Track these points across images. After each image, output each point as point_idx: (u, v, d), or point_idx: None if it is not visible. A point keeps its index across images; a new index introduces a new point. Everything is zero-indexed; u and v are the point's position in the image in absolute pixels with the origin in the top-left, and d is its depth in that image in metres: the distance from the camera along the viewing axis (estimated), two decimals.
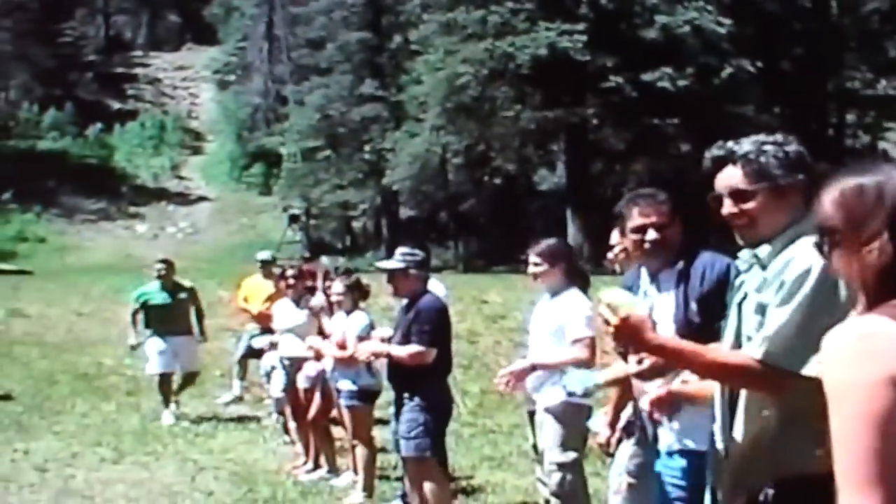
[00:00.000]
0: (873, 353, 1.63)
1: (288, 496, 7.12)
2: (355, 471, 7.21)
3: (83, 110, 43.42)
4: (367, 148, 33.26)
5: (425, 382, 5.73)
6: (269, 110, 41.92)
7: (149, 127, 44.09)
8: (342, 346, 6.77)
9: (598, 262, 31.22)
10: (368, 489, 6.85)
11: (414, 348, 5.70)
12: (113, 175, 41.04)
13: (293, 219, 35.61)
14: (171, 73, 51.05)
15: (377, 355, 6.12)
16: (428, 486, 5.79)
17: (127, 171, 41.71)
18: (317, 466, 7.80)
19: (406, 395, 5.78)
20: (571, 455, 5.04)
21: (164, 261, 10.42)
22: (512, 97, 29.10)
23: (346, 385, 6.79)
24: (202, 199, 40.38)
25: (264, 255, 11.18)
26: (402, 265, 5.84)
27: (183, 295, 10.18)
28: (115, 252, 34.65)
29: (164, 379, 9.97)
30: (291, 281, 8.01)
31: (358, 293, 6.98)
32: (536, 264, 5.20)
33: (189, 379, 10.36)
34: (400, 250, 5.99)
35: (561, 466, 5.03)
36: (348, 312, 6.88)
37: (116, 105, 47.06)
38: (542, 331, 5.24)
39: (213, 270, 27.00)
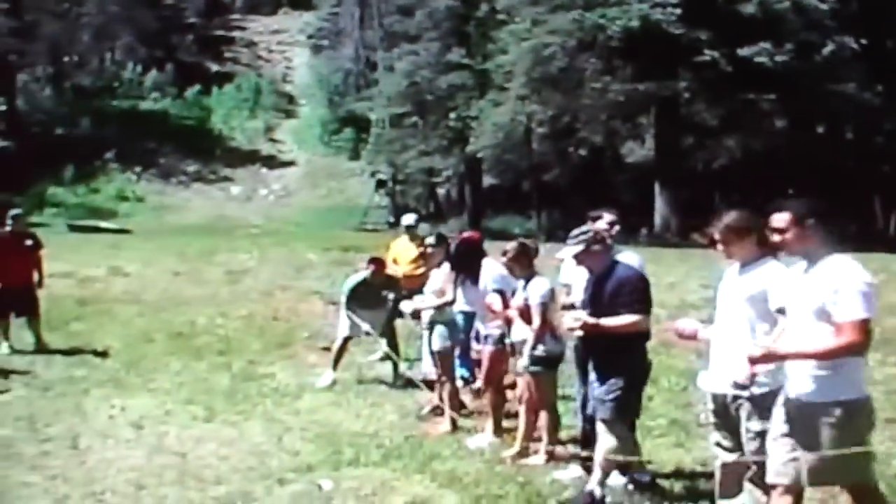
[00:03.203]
0: None
1: (371, 458, 7.29)
2: (526, 437, 7.30)
3: (183, 72, 44.46)
4: (452, 115, 33.29)
5: (629, 348, 5.97)
6: (360, 76, 42.26)
7: (244, 90, 44.88)
8: (522, 313, 6.96)
9: (685, 236, 30.78)
10: (550, 454, 7.07)
11: (629, 318, 5.91)
12: (209, 137, 41.99)
13: (380, 184, 35.94)
14: (267, 37, 51.84)
15: (587, 328, 6.05)
16: (607, 444, 6.01)
17: (223, 133, 42.60)
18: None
19: (607, 361, 6.01)
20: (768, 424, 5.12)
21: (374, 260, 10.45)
22: (601, 69, 28.77)
23: (531, 350, 6.93)
24: (293, 162, 41.03)
25: (409, 219, 11.50)
26: (581, 247, 6.09)
27: (389, 293, 10.22)
28: (210, 213, 35.60)
29: (345, 343, 10.25)
30: (429, 251, 8.63)
31: (526, 258, 7.09)
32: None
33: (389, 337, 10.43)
34: (572, 234, 6.19)
35: (759, 435, 5.11)
36: (526, 280, 7.01)
37: (215, 67, 48.02)
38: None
39: (302, 233, 27.59)
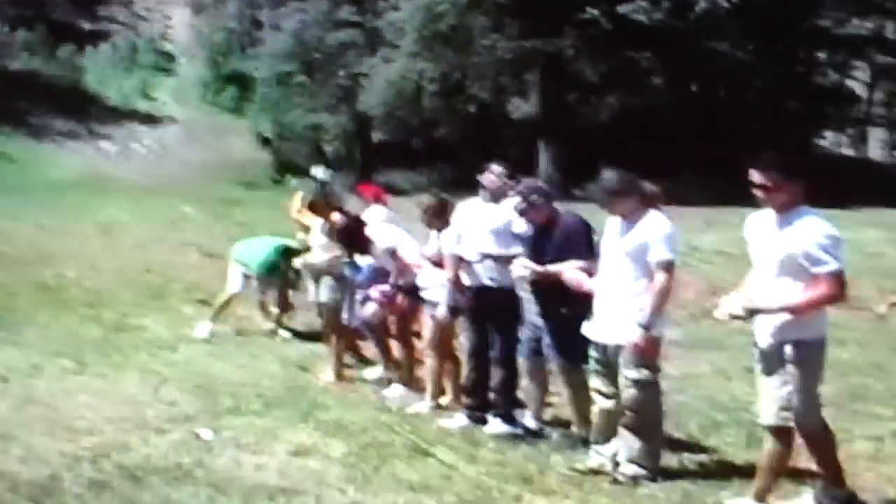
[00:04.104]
0: None
1: (252, 407, 7.12)
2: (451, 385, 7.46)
3: (55, 31, 42.66)
4: (341, 73, 33.08)
5: (577, 295, 5.97)
6: (244, 35, 41.42)
7: (120, 48, 43.54)
8: (437, 263, 7.03)
9: (567, 191, 31.26)
10: (434, 397, 7.22)
11: (578, 264, 6.00)
12: (83, 96, 40.55)
13: (264, 141, 35.49)
14: None
15: (537, 275, 6.15)
16: (576, 393, 6.11)
17: (98, 91, 41.24)
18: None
19: (557, 308, 6.09)
20: (646, 373, 5.35)
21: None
22: (489, 26, 28.88)
23: (437, 297, 7.03)
24: (172, 120, 40.11)
25: (320, 172, 11.70)
26: (521, 199, 6.24)
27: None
28: (83, 170, 34.23)
29: (231, 299, 10.26)
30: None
31: (441, 211, 7.19)
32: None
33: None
34: (511, 187, 6.46)
35: (636, 383, 5.32)
36: (439, 230, 7.07)
37: (88, 26, 46.27)
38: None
39: (179, 189, 26.92)
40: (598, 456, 5.57)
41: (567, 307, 6.00)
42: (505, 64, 29.31)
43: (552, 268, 6.08)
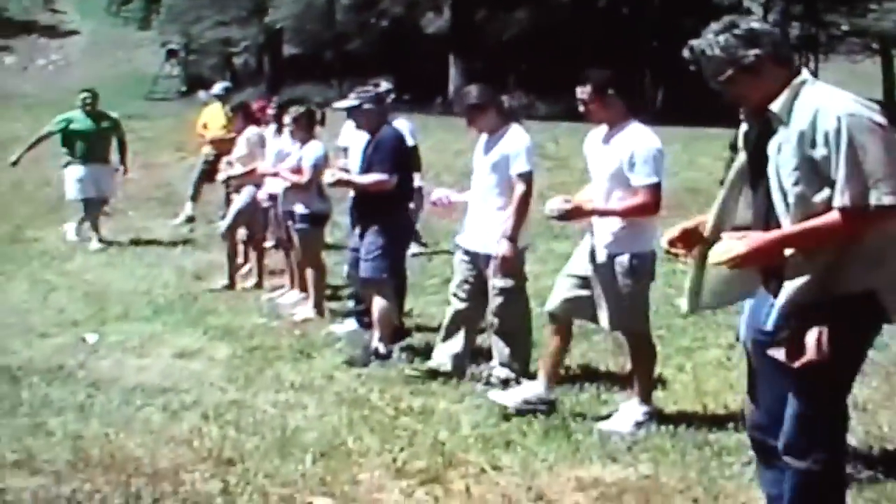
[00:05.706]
0: None
1: (141, 313, 7.22)
2: (302, 289, 7.57)
3: None
4: None
5: (387, 209, 6.07)
6: None
7: None
8: (297, 173, 7.11)
9: None
10: (318, 306, 7.22)
11: (376, 176, 6.04)
12: None
13: (171, 54, 34.82)
14: None
15: (341, 183, 6.31)
16: (379, 304, 6.10)
17: None
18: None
19: (368, 221, 6.11)
20: (511, 282, 5.49)
21: (88, 90, 10.30)
22: None
23: (298, 209, 7.14)
24: (75, 32, 38.65)
25: (218, 88, 11.62)
26: (356, 102, 6.13)
27: (106, 124, 10.21)
28: None
29: (90, 204, 10.05)
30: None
31: (308, 123, 7.18)
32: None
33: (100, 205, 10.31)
34: (357, 89, 6.25)
35: (502, 291, 5.49)
36: (303, 142, 7.12)
37: None
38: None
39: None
40: (439, 355, 5.73)
41: (379, 219, 6.08)
42: None
43: (355, 177, 6.20)
